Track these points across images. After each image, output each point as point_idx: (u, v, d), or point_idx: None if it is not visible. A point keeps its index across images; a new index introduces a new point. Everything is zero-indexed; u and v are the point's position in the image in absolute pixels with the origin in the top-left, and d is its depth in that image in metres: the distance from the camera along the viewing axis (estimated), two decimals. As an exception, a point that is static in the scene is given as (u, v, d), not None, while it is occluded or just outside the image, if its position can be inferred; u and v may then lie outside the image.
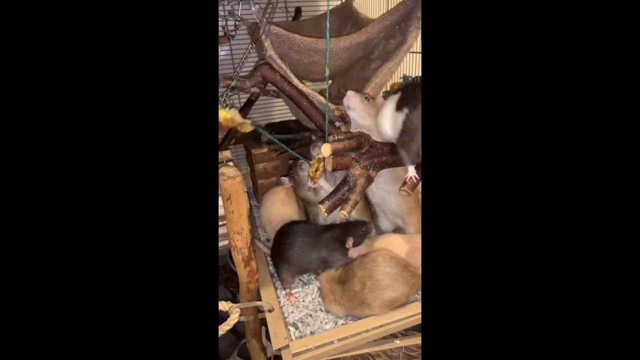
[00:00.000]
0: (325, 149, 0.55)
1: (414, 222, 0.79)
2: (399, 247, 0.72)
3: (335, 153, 0.56)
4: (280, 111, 1.30)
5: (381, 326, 0.64)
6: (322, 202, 0.64)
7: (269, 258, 0.84)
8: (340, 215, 0.62)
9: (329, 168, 0.62)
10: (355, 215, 0.82)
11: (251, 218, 1.05)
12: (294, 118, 1.08)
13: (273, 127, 1.10)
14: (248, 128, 0.64)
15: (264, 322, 0.85)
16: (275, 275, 0.79)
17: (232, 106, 0.69)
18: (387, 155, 0.63)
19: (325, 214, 0.64)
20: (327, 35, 0.56)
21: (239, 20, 0.95)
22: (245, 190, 0.68)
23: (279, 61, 0.72)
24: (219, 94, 0.69)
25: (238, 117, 0.61)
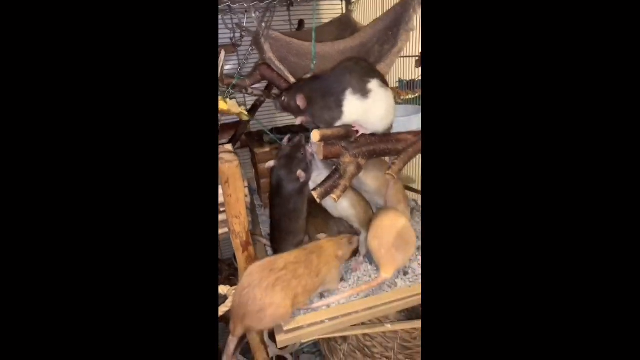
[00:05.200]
0: (315, 135, 0.60)
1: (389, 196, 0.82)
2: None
3: (324, 139, 0.61)
4: (284, 116, 1.37)
5: (370, 308, 0.67)
6: (314, 189, 0.68)
7: (269, 249, 0.88)
8: (331, 199, 0.66)
9: (320, 156, 0.67)
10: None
11: (254, 216, 1.10)
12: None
13: (277, 131, 1.17)
14: (244, 117, 0.72)
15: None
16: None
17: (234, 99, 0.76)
18: (375, 144, 0.68)
19: (318, 200, 0.68)
20: (313, 36, 0.62)
21: (244, 31, 1.03)
22: (246, 185, 0.73)
23: (277, 63, 0.79)
24: (222, 92, 0.76)
25: (235, 108, 0.68)
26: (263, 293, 0.57)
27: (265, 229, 1.00)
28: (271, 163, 0.70)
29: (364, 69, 0.61)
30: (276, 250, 0.80)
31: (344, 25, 1.13)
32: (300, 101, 0.60)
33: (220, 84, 0.77)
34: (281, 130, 1.19)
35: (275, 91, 0.98)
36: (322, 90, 0.61)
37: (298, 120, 0.64)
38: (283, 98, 0.63)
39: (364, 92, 0.60)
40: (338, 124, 0.63)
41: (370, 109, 0.61)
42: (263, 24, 0.73)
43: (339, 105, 0.61)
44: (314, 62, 0.67)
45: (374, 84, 0.61)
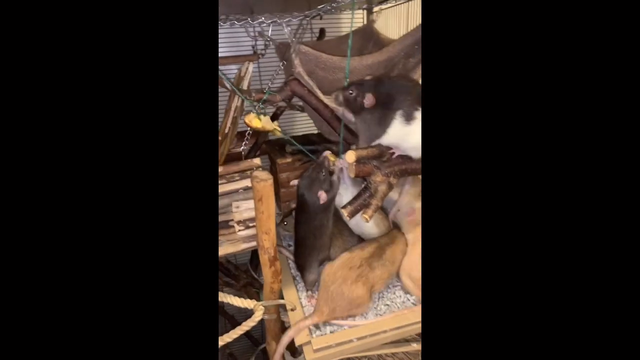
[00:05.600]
0: (350, 156, 0.60)
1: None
2: None
3: (358, 160, 0.61)
4: (303, 124, 1.37)
5: (399, 328, 0.67)
6: (344, 206, 0.68)
7: (290, 262, 0.88)
8: (362, 219, 0.66)
9: (352, 175, 0.67)
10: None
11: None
12: (316, 131, 1.14)
13: (296, 140, 1.16)
14: (278, 133, 0.72)
15: (284, 327, 0.88)
16: (297, 277, 0.83)
17: (264, 114, 0.76)
18: (407, 163, 0.68)
19: (348, 218, 0.68)
20: (349, 53, 0.62)
21: (268, 41, 1.03)
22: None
23: (306, 77, 0.78)
24: (253, 108, 0.76)
25: (269, 125, 0.68)
26: (349, 289, 0.68)
27: (285, 240, 1.01)
28: (295, 182, 0.70)
29: (419, 95, 0.60)
30: (299, 265, 0.80)
31: (367, 36, 1.13)
32: (369, 100, 0.59)
33: (248, 97, 0.77)
34: (299, 139, 1.19)
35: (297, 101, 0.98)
36: (382, 101, 0.60)
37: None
38: (350, 92, 0.61)
39: (409, 118, 0.60)
40: (376, 142, 0.63)
41: (408, 136, 0.61)
42: (295, 40, 0.73)
43: (387, 124, 0.61)
44: (347, 80, 0.67)
45: (420, 114, 0.61)
